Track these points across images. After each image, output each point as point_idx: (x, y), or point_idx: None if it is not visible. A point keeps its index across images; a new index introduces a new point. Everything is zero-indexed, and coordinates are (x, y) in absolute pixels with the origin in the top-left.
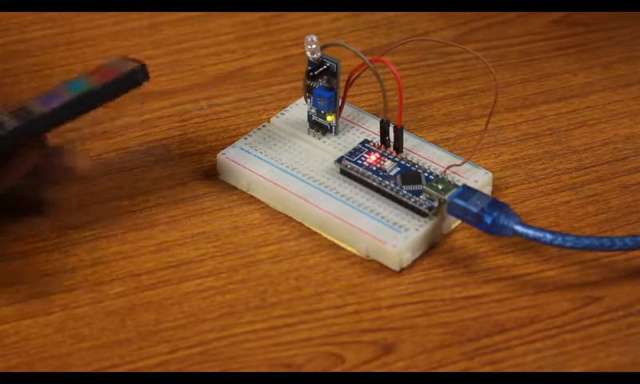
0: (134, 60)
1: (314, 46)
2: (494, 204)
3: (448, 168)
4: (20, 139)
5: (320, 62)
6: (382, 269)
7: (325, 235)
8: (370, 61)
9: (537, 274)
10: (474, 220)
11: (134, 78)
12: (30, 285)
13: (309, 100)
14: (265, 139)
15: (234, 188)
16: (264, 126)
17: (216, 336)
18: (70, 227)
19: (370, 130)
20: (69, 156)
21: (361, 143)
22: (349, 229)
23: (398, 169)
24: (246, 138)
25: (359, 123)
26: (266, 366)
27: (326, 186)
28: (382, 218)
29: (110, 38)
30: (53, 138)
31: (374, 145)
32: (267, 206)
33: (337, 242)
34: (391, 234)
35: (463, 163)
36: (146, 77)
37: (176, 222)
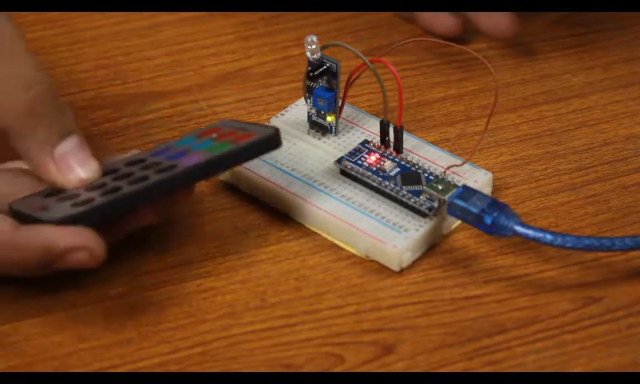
0: (265, 126)
1: (313, 47)
2: (494, 204)
3: (448, 168)
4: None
5: (320, 63)
6: (382, 269)
7: (325, 236)
8: (370, 61)
9: (537, 274)
10: (473, 220)
11: (270, 143)
12: (31, 285)
13: (309, 100)
14: None
15: (234, 188)
16: None
17: (216, 336)
18: None
19: (370, 130)
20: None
21: (361, 144)
22: (349, 229)
23: (398, 169)
24: None
25: (359, 124)
26: (265, 366)
27: (326, 187)
28: (382, 218)
29: (109, 38)
30: None
31: (373, 145)
32: (267, 206)
33: (337, 242)
34: (391, 234)
35: (463, 164)
36: (280, 143)
37: (176, 222)
